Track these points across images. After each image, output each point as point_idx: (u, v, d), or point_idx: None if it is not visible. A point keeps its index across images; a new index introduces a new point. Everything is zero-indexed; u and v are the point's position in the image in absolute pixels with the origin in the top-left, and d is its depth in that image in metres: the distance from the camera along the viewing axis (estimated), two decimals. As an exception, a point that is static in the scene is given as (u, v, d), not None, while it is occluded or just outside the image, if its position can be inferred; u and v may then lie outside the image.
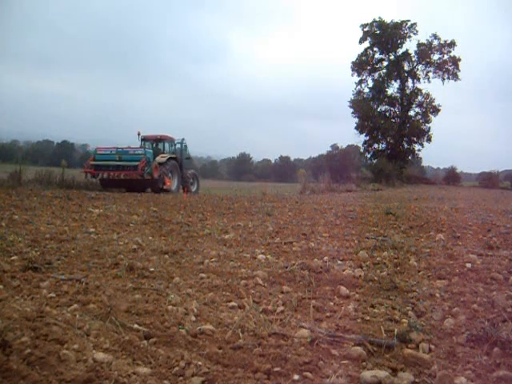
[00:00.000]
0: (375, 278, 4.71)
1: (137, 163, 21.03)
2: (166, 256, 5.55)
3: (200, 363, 2.51)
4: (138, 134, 24.61)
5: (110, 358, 2.48)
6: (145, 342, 2.81)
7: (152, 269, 4.75)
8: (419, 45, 50.93)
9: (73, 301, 3.52)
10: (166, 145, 25.43)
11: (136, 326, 3.07)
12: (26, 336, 2.56)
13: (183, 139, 25.99)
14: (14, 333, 2.57)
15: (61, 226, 7.60)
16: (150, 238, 7.00)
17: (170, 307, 3.50)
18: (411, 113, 52.72)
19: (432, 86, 52.53)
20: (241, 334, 3.05)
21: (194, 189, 26.09)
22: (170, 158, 23.85)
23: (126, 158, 21.74)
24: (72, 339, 2.65)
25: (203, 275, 4.63)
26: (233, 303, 3.78)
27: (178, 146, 25.99)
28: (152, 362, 2.55)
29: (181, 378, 2.39)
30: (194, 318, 3.34)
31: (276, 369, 2.50)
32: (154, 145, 24.96)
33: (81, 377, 2.21)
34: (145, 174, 21.09)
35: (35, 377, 2.16)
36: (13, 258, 4.94)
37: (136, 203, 13.36)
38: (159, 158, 22.97)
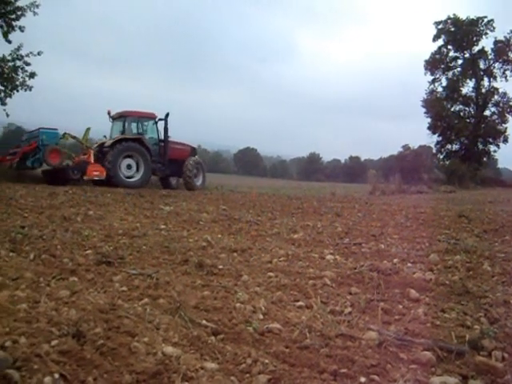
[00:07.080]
0: (446, 281, 4.50)
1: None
2: (235, 254, 5.58)
3: (267, 361, 2.49)
4: (108, 113, 20.49)
5: (179, 352, 2.51)
6: (212, 337, 2.82)
7: (221, 266, 4.79)
8: (496, 42, 48.43)
9: (143, 295, 3.60)
10: (133, 124, 20.48)
11: (204, 322, 3.09)
12: (99, 327, 2.64)
13: (167, 115, 20.18)
14: (88, 324, 2.66)
15: (133, 222, 7.84)
16: (219, 235, 7.08)
17: (237, 305, 3.51)
18: (487, 113, 50.15)
19: (510, 85, 49.98)
20: (308, 334, 3.00)
21: (198, 182, 21.17)
22: (124, 140, 18.94)
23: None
24: (142, 332, 2.70)
25: (271, 274, 4.61)
26: (300, 303, 3.73)
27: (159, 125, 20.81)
28: (219, 357, 2.55)
29: (247, 375, 2.38)
30: (261, 316, 3.32)
31: (342, 370, 2.44)
32: (124, 124, 20.23)
33: (150, 369, 2.24)
34: (28, 162, 17.60)
35: (107, 367, 2.22)
36: (87, 251, 5.14)
37: (206, 201, 13.58)
38: (108, 142, 19.06)
